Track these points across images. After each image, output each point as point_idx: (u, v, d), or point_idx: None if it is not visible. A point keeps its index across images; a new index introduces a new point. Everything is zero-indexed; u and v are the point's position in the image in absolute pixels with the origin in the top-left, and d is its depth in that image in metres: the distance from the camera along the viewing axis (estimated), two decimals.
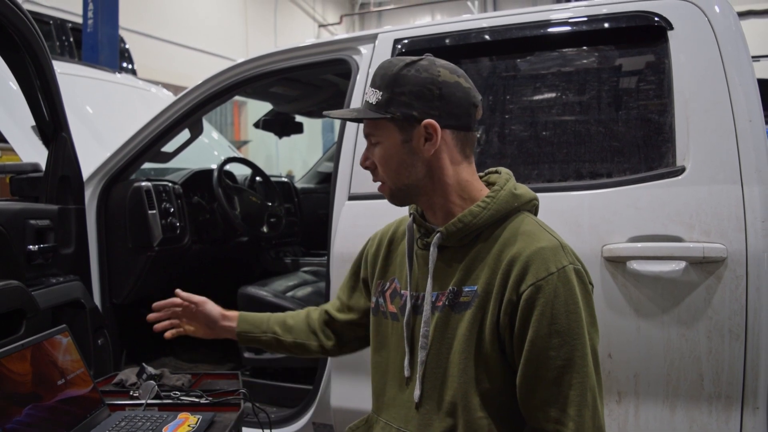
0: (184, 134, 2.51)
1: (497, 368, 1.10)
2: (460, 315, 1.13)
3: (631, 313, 1.55)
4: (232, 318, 1.48)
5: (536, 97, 1.79)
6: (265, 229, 2.78)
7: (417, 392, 1.17)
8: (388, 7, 17.62)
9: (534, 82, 1.81)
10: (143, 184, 2.38)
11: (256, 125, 3.13)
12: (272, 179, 3.20)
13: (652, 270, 1.53)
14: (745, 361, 1.48)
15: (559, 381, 1.04)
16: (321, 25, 16.92)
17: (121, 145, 2.37)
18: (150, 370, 1.82)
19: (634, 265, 1.54)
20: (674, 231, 1.53)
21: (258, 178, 3.00)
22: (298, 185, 3.61)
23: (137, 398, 1.67)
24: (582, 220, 1.60)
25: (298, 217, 3.28)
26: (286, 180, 3.37)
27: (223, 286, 2.61)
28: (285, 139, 3.45)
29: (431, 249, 1.17)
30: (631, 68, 1.72)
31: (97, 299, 2.38)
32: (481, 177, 1.23)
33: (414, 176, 1.15)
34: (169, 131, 2.35)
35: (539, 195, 1.66)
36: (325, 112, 1.27)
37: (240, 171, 3.11)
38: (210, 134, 4.14)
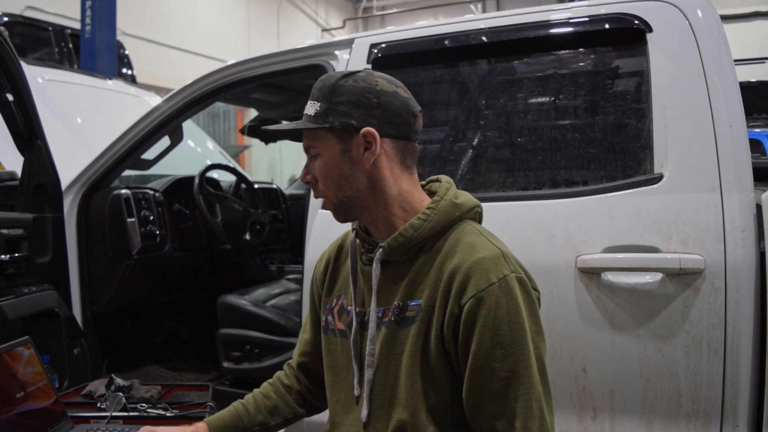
0: (166, 141, 2.49)
1: (445, 383, 1.08)
2: (406, 330, 1.10)
3: (606, 326, 1.51)
4: (200, 430, 1.26)
5: (510, 102, 1.75)
6: (247, 237, 2.75)
7: (364, 412, 1.14)
8: (391, 11, 17.62)
9: (509, 87, 1.77)
10: (122, 191, 2.36)
11: (242, 131, 3.10)
12: (259, 186, 3.17)
13: (628, 282, 1.48)
14: (724, 377, 1.43)
15: (505, 393, 1.02)
16: (324, 30, 16.94)
17: (102, 152, 2.35)
18: (119, 381, 1.79)
19: (609, 277, 1.49)
20: (651, 241, 1.49)
21: (243, 185, 2.97)
22: (288, 191, 3.58)
23: (105, 410, 1.64)
24: (556, 229, 1.56)
25: (286, 223, 3.25)
26: (274, 187, 3.33)
27: (206, 295, 2.58)
28: (290, 143, 3.40)
29: (374, 265, 1.14)
30: (609, 72, 1.68)
31: (77, 308, 2.35)
32: (423, 186, 1.20)
33: (355, 188, 1.13)
34: (148, 138, 2.33)
35: (513, 204, 1.65)
36: (263, 128, 1.24)
37: (227, 178, 3.08)
38: (204, 143, 4.12)
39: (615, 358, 1.50)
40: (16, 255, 1.91)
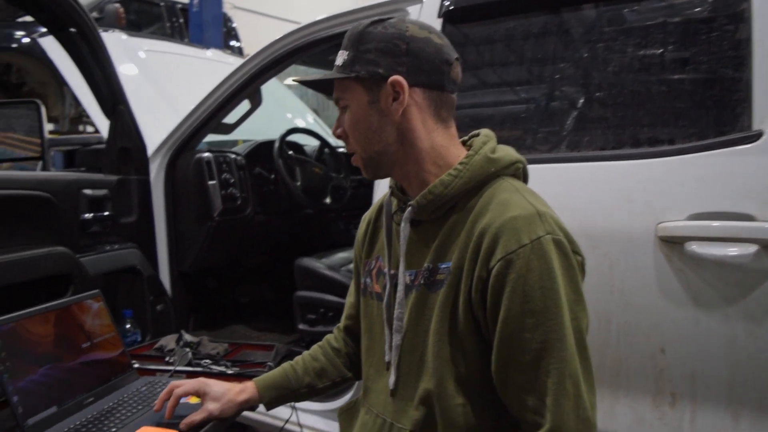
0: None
1: (474, 351, 1.00)
2: (436, 294, 1.03)
3: (689, 302, 1.35)
4: (248, 389, 1.27)
5: (589, 53, 1.59)
6: (328, 201, 2.74)
7: (392, 378, 1.09)
8: None
9: (587, 36, 1.60)
10: (204, 155, 2.41)
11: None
12: (343, 151, 3.14)
13: (715, 253, 1.31)
14: None
15: (536, 366, 0.92)
16: None
17: (186, 116, 2.40)
18: (187, 337, 1.84)
19: (694, 247, 1.32)
20: (744, 208, 1.30)
21: (326, 150, 2.96)
22: None
23: (171, 364, 1.69)
24: (635, 193, 1.40)
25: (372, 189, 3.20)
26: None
27: (290, 258, 2.60)
28: None
29: (402, 225, 1.08)
30: (701, 16, 1.47)
31: (165, 268, 2.44)
32: (464, 142, 1.11)
33: (384, 141, 1.06)
34: (228, 102, 2.35)
35: (586, 165, 1.50)
36: (293, 79, 1.19)
37: (312, 142, 3.08)
38: (305, 116, 4.16)
39: (698, 338, 1.34)
40: (100, 214, 2.00)
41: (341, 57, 1.07)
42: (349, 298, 1.35)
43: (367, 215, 1.28)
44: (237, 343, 1.88)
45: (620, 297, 1.42)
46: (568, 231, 0.98)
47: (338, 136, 1.13)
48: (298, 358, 1.35)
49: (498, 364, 0.96)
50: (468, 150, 1.07)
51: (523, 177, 1.10)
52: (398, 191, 1.13)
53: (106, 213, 2.04)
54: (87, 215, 1.94)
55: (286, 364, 1.34)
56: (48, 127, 5.51)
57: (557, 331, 0.91)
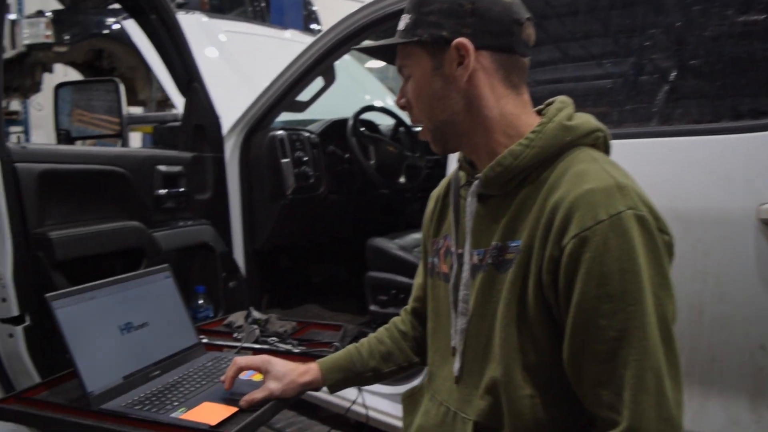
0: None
1: (544, 338, 0.91)
2: (504, 275, 0.95)
3: None
4: (311, 371, 1.23)
5: (684, 17, 1.44)
6: (402, 180, 2.68)
7: (457, 365, 1.02)
8: None
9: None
10: (277, 133, 2.40)
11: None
12: (419, 129, 3.07)
13: None
14: None
15: (612, 357, 0.83)
16: None
17: (260, 94, 2.40)
18: (256, 314, 1.83)
19: None
20: None
21: (401, 128, 2.89)
22: None
23: (239, 341, 1.68)
24: (733, 171, 1.26)
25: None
26: None
27: (361, 238, 2.56)
28: None
29: (468, 199, 1.00)
30: None
31: (239, 245, 2.46)
32: (539, 111, 1.01)
33: (450, 110, 0.98)
34: (301, 79, 2.33)
35: (679, 140, 1.36)
36: (353, 48, 1.12)
37: (387, 121, 3.02)
38: (384, 97, 4.11)
39: None
40: (174, 190, 2.03)
41: (403, 21, 1.00)
42: (417, 279, 1.29)
43: (435, 192, 1.21)
44: (305, 322, 1.86)
45: (715, 286, 1.29)
46: (654, 206, 0.88)
47: (402, 107, 1.06)
48: (363, 341, 1.31)
49: (570, 353, 0.87)
50: (541, 118, 0.98)
51: (604, 148, 0.99)
52: (467, 165, 1.06)
53: (181, 189, 2.07)
54: (161, 191, 1.97)
55: (351, 347, 1.30)
56: (137, 110, 5.74)
57: (638, 318, 0.81)
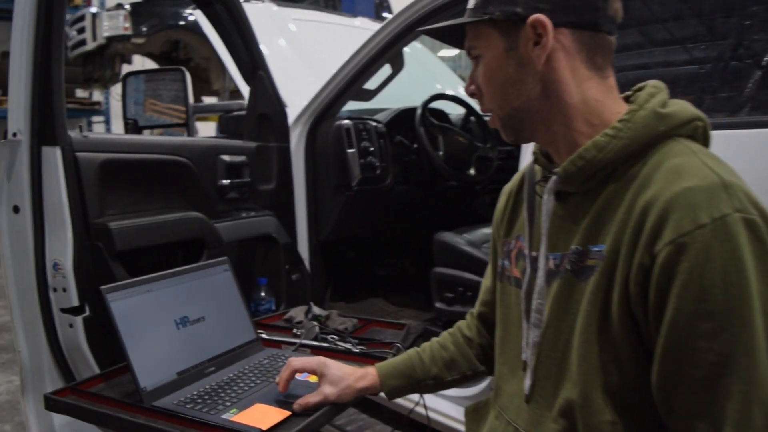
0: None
1: (630, 357, 0.79)
2: (585, 284, 0.83)
3: None
4: (369, 376, 1.16)
5: None
6: (471, 172, 2.56)
7: (527, 382, 0.91)
8: None
9: None
10: (343, 122, 2.33)
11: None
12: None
13: None
14: None
15: (712, 385, 0.70)
16: None
17: (326, 83, 2.34)
18: (316, 310, 1.77)
19: None
20: None
21: (472, 118, 2.77)
22: None
23: (298, 337, 1.63)
24: None
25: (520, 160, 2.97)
26: None
27: (428, 231, 2.47)
28: None
29: (544, 197, 0.89)
30: None
31: (304, 236, 2.42)
32: (628, 97, 0.89)
33: (525, 96, 0.87)
34: (368, 67, 2.25)
35: None
36: (418, 29, 1.02)
37: (458, 110, 2.90)
38: (456, 87, 3.99)
39: None
40: (237, 181, 1.99)
41: None
42: (485, 282, 1.18)
43: (508, 187, 1.10)
44: (367, 320, 1.79)
45: None
46: (766, 209, 0.74)
47: (471, 94, 0.96)
48: (425, 345, 1.22)
49: (661, 378, 0.75)
50: (630, 105, 0.85)
51: (703, 140, 0.85)
52: (543, 157, 0.95)
53: (244, 179, 2.03)
54: (224, 181, 1.94)
55: (411, 351, 1.21)
56: (212, 100, 5.84)
57: (744, 341, 0.69)
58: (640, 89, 0.88)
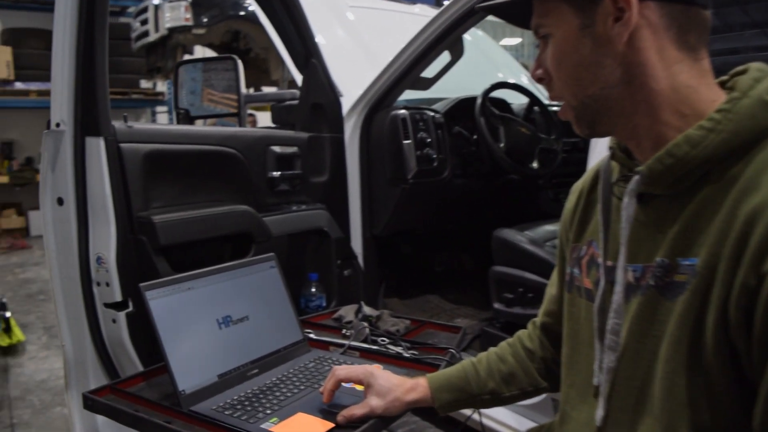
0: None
1: (725, 393, 0.67)
2: (672, 303, 0.71)
3: None
4: (419, 388, 1.07)
5: None
6: (534, 165, 2.41)
7: (600, 412, 0.79)
8: None
9: None
10: (400, 112, 2.23)
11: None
12: (556, 109, 2.78)
13: None
14: None
15: None
16: None
17: (382, 71, 2.25)
18: (366, 310, 1.69)
19: None
20: None
21: (535, 108, 2.61)
22: None
23: (347, 338, 1.55)
24: None
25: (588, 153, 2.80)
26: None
27: (488, 227, 2.35)
28: None
29: (625, 200, 0.76)
30: None
31: (357, 230, 2.34)
32: (724, 83, 0.76)
33: (602, 81, 0.75)
34: (426, 54, 2.14)
35: None
36: (477, 6, 0.90)
37: (521, 100, 2.76)
38: (519, 76, 3.84)
39: None
40: (288, 172, 1.92)
41: None
42: (551, 290, 1.07)
43: (579, 185, 0.98)
44: (420, 321, 1.69)
45: None
46: None
47: (538, 79, 0.84)
48: (481, 356, 1.11)
49: (765, 421, 0.63)
50: (730, 93, 0.72)
51: None
52: (622, 153, 0.83)
53: (296, 171, 1.96)
54: (275, 173, 1.88)
55: (466, 363, 1.11)
56: (271, 90, 5.84)
57: None
58: (740, 73, 0.75)
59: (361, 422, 1.05)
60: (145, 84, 7.55)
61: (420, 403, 1.07)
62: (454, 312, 2.59)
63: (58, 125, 1.37)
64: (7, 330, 3.82)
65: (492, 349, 1.12)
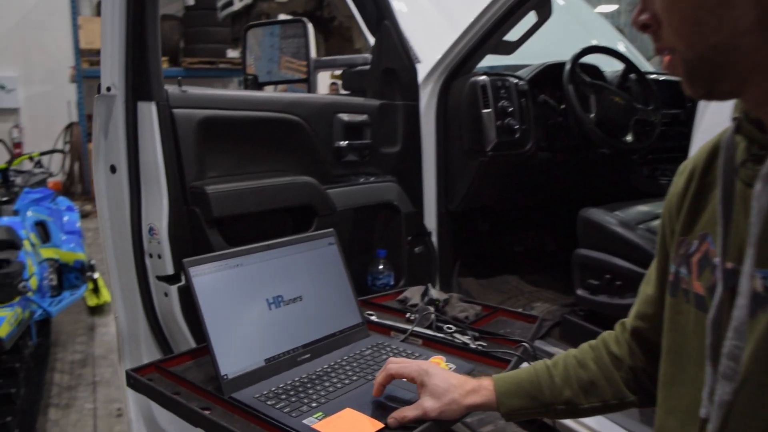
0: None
1: None
2: None
3: None
4: (483, 390, 0.94)
5: None
6: (628, 138, 2.18)
7: None
8: None
9: None
10: (479, 78, 2.06)
11: None
12: (656, 77, 2.51)
13: None
14: None
15: None
16: None
17: (460, 35, 2.08)
18: (433, 293, 1.56)
19: None
20: None
21: (632, 75, 2.36)
22: None
23: (411, 322, 1.43)
24: None
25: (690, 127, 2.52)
26: (677, 79, 2.60)
27: (574, 205, 2.16)
28: None
29: (756, 187, 0.59)
30: None
31: (431, 205, 2.21)
32: None
33: (731, 27, 0.57)
34: (509, 15, 1.96)
35: None
36: None
37: (615, 66, 2.51)
38: (615, 43, 3.54)
39: None
40: (356, 142, 1.81)
41: None
42: (646, 289, 0.90)
43: (689, 164, 0.80)
44: (492, 308, 1.55)
45: None
46: None
47: (642, 26, 0.66)
48: (558, 359, 0.96)
49: None
50: None
51: None
52: (751, 125, 0.65)
53: (365, 141, 1.84)
54: (341, 143, 1.76)
55: (540, 365, 0.96)
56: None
57: None
58: None
59: (414, 425, 0.93)
60: (231, 53, 7.63)
61: (482, 407, 0.94)
62: (534, 295, 2.42)
63: (108, 89, 1.31)
64: (96, 291, 3.97)
65: (571, 351, 0.97)
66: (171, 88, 1.36)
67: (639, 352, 0.90)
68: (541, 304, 2.32)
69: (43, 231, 3.48)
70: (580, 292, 1.94)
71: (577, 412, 0.92)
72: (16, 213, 3.32)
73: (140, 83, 1.31)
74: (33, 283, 2.83)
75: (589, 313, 1.95)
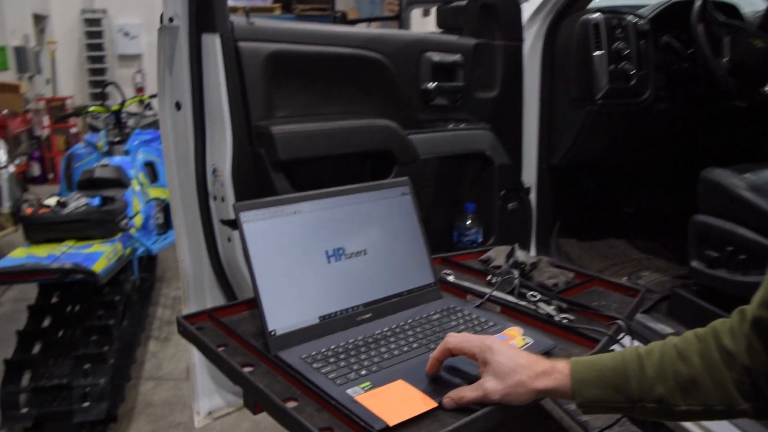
0: None
1: None
2: None
3: None
4: (556, 374, 0.80)
5: None
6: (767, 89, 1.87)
7: None
8: None
9: None
10: (592, 17, 1.83)
11: None
12: None
13: None
14: None
15: None
16: None
17: None
18: (520, 255, 1.40)
19: None
20: None
21: None
22: None
23: (492, 285, 1.28)
24: None
25: None
26: None
27: (695, 165, 1.89)
28: None
29: None
30: None
31: (531, 158, 2.02)
32: None
33: None
34: None
35: None
36: None
37: (758, 6, 2.15)
38: None
39: None
40: (447, 84, 1.64)
41: None
42: None
43: None
44: (588, 275, 1.36)
45: None
46: None
47: None
48: (653, 346, 0.80)
49: None
50: None
51: None
52: None
53: (457, 83, 1.68)
54: (429, 84, 1.61)
55: (630, 351, 0.80)
56: None
57: None
58: None
59: (473, 407, 0.80)
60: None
61: (554, 393, 0.80)
62: (642, 263, 2.19)
63: (171, 20, 1.22)
64: None
65: (671, 340, 0.80)
66: (237, 19, 1.26)
67: (761, 349, 0.71)
68: (650, 274, 2.09)
69: (152, 171, 3.59)
70: (695, 263, 1.70)
71: (671, 415, 0.75)
72: (126, 153, 3.44)
73: (204, 14, 1.21)
74: (138, 221, 2.92)
75: (704, 289, 1.70)
